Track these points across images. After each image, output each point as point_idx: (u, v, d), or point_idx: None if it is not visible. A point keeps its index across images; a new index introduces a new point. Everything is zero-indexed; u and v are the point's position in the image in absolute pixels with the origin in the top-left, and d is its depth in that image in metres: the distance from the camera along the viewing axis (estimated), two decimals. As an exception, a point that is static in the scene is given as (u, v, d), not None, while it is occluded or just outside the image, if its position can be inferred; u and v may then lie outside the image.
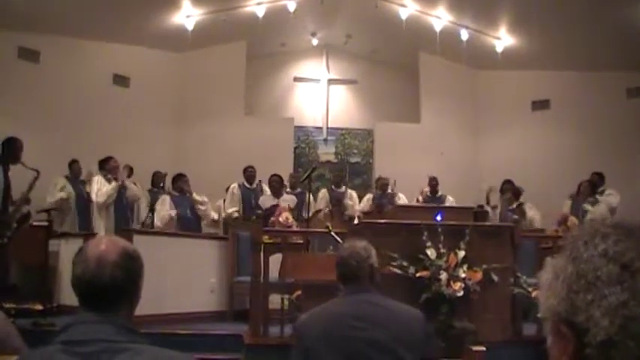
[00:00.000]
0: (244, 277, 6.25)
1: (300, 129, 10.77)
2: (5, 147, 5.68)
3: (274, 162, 9.00)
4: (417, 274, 4.77)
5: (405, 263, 4.77)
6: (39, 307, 5.97)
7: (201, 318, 6.45)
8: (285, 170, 8.96)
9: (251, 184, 8.18)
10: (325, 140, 10.97)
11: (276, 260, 5.39)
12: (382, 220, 5.61)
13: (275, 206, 7.09)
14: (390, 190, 8.64)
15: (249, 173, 8.22)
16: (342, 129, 11.02)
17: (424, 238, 4.85)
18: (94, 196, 7.28)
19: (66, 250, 6.79)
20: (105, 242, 1.55)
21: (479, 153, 10.47)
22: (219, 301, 6.88)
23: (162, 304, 5.93)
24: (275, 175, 7.91)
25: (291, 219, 6.55)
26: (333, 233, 4.79)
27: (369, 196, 8.80)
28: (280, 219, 6.38)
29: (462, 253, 4.85)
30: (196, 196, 7.70)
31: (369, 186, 10.12)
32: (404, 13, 9.12)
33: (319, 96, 11.04)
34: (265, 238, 5.33)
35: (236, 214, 7.87)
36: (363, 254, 2.46)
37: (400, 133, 10.40)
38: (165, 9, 8.76)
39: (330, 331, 2.31)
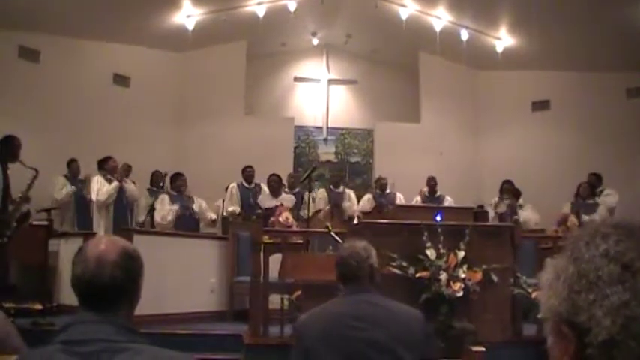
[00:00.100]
0: (244, 277, 6.25)
1: (300, 129, 10.77)
2: (3, 146, 5.67)
3: (274, 162, 9.00)
4: (417, 275, 4.77)
5: (404, 263, 4.77)
6: (38, 306, 5.98)
7: (201, 318, 6.45)
8: (286, 170, 8.96)
9: (250, 183, 8.18)
10: (325, 140, 10.97)
11: (275, 260, 5.39)
12: (382, 221, 5.60)
13: (274, 207, 7.09)
14: (389, 191, 8.65)
15: (247, 173, 8.22)
16: (342, 129, 11.02)
17: (424, 238, 4.85)
18: (94, 196, 7.28)
19: (66, 250, 6.80)
20: (105, 242, 1.55)
21: (479, 153, 10.47)
22: (219, 301, 6.88)
23: (162, 303, 5.93)
24: (273, 174, 7.91)
25: (291, 219, 6.55)
26: (332, 233, 4.79)
27: (369, 197, 8.80)
28: (280, 219, 6.38)
29: (461, 254, 4.85)
30: (195, 199, 7.72)
31: (369, 186, 10.12)
32: (404, 13, 9.13)
33: (319, 96, 11.04)
34: (265, 238, 5.33)
35: (238, 210, 7.88)
36: (363, 254, 2.46)
37: (400, 133, 10.40)
38: (166, 9, 8.76)
39: (330, 330, 2.31)
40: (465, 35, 9.43)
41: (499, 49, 9.61)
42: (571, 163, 9.17)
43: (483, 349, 4.56)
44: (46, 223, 6.52)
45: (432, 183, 8.57)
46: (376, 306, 2.37)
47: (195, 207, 7.69)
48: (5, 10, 7.75)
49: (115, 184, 7.25)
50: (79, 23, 8.51)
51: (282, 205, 7.12)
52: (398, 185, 8.87)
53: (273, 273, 5.36)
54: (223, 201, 8.27)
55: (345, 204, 8.42)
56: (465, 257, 4.85)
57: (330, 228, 4.86)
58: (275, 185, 7.82)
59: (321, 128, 10.96)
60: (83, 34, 8.85)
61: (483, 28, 9.43)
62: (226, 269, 6.92)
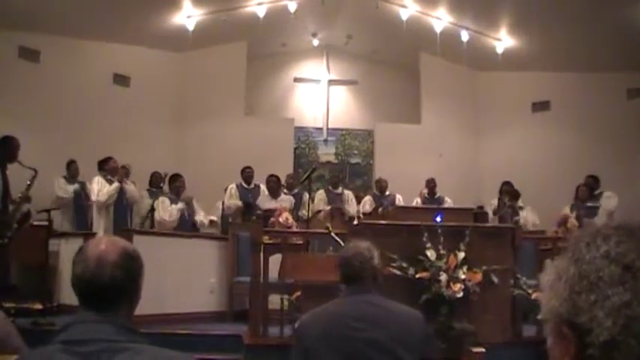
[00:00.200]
0: (244, 277, 6.25)
1: (300, 129, 10.77)
2: (2, 146, 5.67)
3: (274, 162, 9.01)
4: (417, 276, 4.77)
5: (404, 264, 4.77)
6: (39, 306, 5.98)
7: (200, 318, 6.45)
8: (285, 171, 8.96)
9: (249, 184, 8.19)
10: (325, 141, 10.97)
11: (275, 261, 5.39)
12: (382, 221, 5.61)
13: (273, 209, 7.08)
14: (388, 192, 8.66)
15: (247, 174, 8.23)
16: (342, 130, 11.02)
17: (424, 239, 4.85)
18: (94, 197, 7.28)
19: (66, 250, 6.80)
20: (105, 242, 1.55)
21: (479, 154, 10.47)
22: (219, 302, 6.88)
23: (162, 304, 5.93)
24: (272, 175, 7.91)
25: (291, 219, 6.54)
26: (333, 234, 4.79)
27: (369, 198, 8.80)
28: (280, 219, 6.37)
29: (461, 255, 4.85)
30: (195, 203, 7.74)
31: (370, 187, 10.12)
32: (404, 14, 9.13)
33: (319, 96, 11.04)
34: (265, 239, 5.33)
35: (240, 203, 7.88)
36: (367, 255, 2.46)
37: (400, 134, 10.40)
38: (166, 9, 8.76)
39: (330, 331, 2.31)
40: (465, 36, 9.43)
41: (499, 50, 9.61)
42: (571, 164, 9.17)
43: (483, 350, 4.56)
44: (46, 223, 6.53)
45: (431, 185, 8.57)
46: (376, 307, 2.37)
47: (195, 208, 7.70)
48: (5, 10, 7.75)
49: (116, 184, 7.25)
50: (79, 23, 8.52)
51: (279, 206, 7.12)
52: (398, 186, 8.88)
53: (273, 273, 5.36)
54: (223, 203, 8.27)
55: (347, 207, 8.43)
56: (465, 258, 4.85)
57: (330, 229, 4.86)
58: (274, 186, 7.82)
59: (321, 129, 10.96)
60: (83, 34, 8.86)
61: (483, 29, 9.44)
62: (226, 270, 6.92)
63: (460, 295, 4.71)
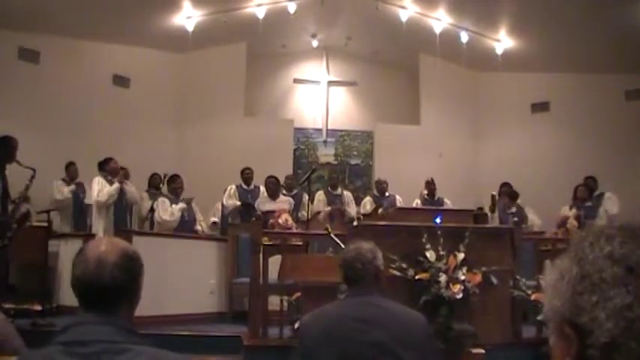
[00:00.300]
0: (244, 278, 6.26)
1: (299, 130, 10.77)
2: (0, 146, 5.68)
3: (274, 163, 9.01)
4: (417, 277, 4.77)
5: (404, 265, 4.77)
6: (38, 307, 5.98)
7: (200, 319, 6.46)
8: (285, 172, 8.96)
9: (249, 185, 8.20)
10: (325, 142, 10.96)
11: (275, 262, 5.40)
12: (382, 222, 5.61)
13: (272, 211, 7.09)
14: (388, 194, 8.66)
15: (246, 175, 8.24)
16: (341, 131, 11.02)
17: (424, 240, 4.85)
18: (94, 196, 7.29)
19: (65, 251, 6.81)
20: (105, 243, 1.56)
21: (479, 155, 10.47)
22: (219, 303, 6.89)
23: (161, 305, 5.93)
24: (271, 176, 7.92)
25: (290, 221, 6.55)
26: (332, 235, 4.79)
27: (369, 199, 8.80)
28: (280, 220, 6.38)
29: (461, 256, 4.85)
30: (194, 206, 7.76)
31: (369, 188, 10.13)
32: (404, 15, 9.13)
33: (319, 97, 11.04)
34: (265, 240, 5.34)
35: (238, 203, 7.89)
36: (369, 256, 2.45)
37: (400, 135, 10.40)
38: (166, 10, 8.76)
39: (330, 331, 2.30)
40: (464, 37, 9.43)
41: (499, 51, 9.61)
42: (570, 165, 9.17)
43: (483, 351, 4.56)
44: (45, 224, 6.53)
45: (431, 186, 8.57)
46: (378, 308, 2.36)
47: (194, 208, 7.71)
48: (5, 10, 7.75)
49: (117, 185, 7.26)
50: (79, 24, 8.51)
51: (278, 208, 7.13)
52: (397, 187, 8.88)
53: (273, 275, 5.36)
54: (222, 204, 8.27)
55: (349, 209, 8.44)
56: (464, 259, 4.85)
57: (330, 230, 4.86)
58: (273, 187, 7.83)
59: (320, 130, 10.96)
60: (83, 34, 8.85)
61: (483, 30, 9.44)
62: (226, 271, 6.93)
63: (460, 296, 4.71)
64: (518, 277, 5.24)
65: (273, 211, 7.04)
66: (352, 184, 10.65)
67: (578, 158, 9.33)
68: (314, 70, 11.07)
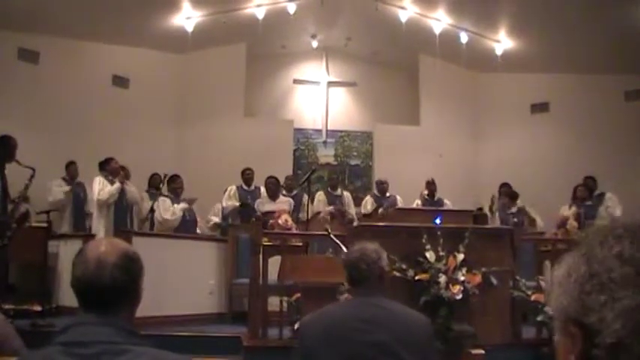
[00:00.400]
0: (243, 279, 6.25)
1: (299, 131, 10.77)
2: (0, 146, 5.68)
3: (274, 164, 9.01)
4: (416, 277, 4.77)
5: (404, 266, 4.77)
6: (38, 308, 5.98)
7: (200, 320, 6.45)
8: (285, 172, 8.96)
9: (249, 186, 8.19)
10: (325, 142, 10.96)
11: (275, 262, 5.39)
12: (381, 223, 5.61)
13: (272, 212, 7.09)
14: (388, 194, 8.66)
15: (247, 176, 8.24)
16: (341, 131, 11.02)
17: (423, 240, 4.85)
18: (96, 196, 7.29)
19: (65, 251, 6.80)
20: (105, 244, 1.56)
21: (478, 155, 10.47)
22: (218, 303, 6.88)
23: (161, 305, 5.93)
24: (271, 177, 7.92)
25: (290, 221, 6.55)
26: (332, 236, 4.79)
27: (371, 199, 8.79)
28: (280, 221, 6.38)
29: (461, 256, 4.85)
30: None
31: (369, 188, 10.12)
32: (404, 16, 9.13)
33: (319, 98, 11.04)
34: (264, 241, 5.34)
35: (237, 204, 7.89)
36: (374, 257, 2.44)
37: (400, 136, 10.40)
38: (165, 11, 8.75)
39: (330, 331, 2.30)
40: (464, 38, 9.44)
41: (498, 51, 9.62)
42: (570, 166, 9.18)
43: (482, 351, 4.56)
44: (45, 224, 6.53)
45: (431, 187, 8.57)
46: (380, 308, 2.35)
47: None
48: (4, 11, 7.75)
49: (117, 185, 7.27)
50: (79, 24, 8.51)
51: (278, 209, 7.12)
52: (397, 188, 8.88)
53: (273, 275, 5.36)
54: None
55: (349, 210, 8.45)
56: (464, 260, 4.85)
57: (330, 231, 4.86)
58: (273, 187, 7.83)
59: (320, 131, 10.95)
60: (82, 35, 8.85)
61: (483, 31, 9.44)
62: (225, 271, 6.92)
63: (459, 296, 4.71)
64: (517, 277, 5.24)
65: (273, 212, 7.04)
66: (352, 184, 10.65)
67: (577, 159, 9.34)
68: (314, 71, 11.07)
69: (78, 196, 7.96)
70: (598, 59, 9.27)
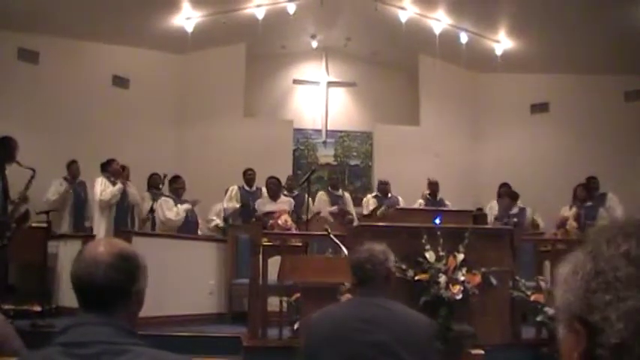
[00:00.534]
0: (243, 279, 6.26)
1: (299, 131, 10.77)
2: (0, 147, 5.68)
3: (274, 164, 9.00)
4: (416, 277, 4.77)
5: (403, 266, 4.77)
6: (37, 308, 5.98)
7: (199, 320, 6.45)
8: (285, 172, 8.95)
9: (251, 186, 8.19)
10: (324, 143, 10.97)
11: (275, 263, 5.39)
12: (381, 223, 5.61)
13: (272, 212, 7.09)
14: (390, 195, 8.66)
15: (248, 176, 8.23)
16: (341, 131, 11.02)
17: (423, 241, 4.85)
18: (97, 196, 7.29)
19: (64, 252, 6.80)
20: (103, 244, 1.56)
21: (478, 156, 10.47)
22: (218, 303, 6.88)
23: (161, 305, 5.93)
24: (272, 177, 7.91)
25: (290, 221, 6.55)
26: (332, 236, 4.79)
27: (372, 200, 8.77)
28: (279, 221, 6.38)
29: (460, 256, 4.85)
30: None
31: (369, 189, 10.12)
32: (403, 16, 9.13)
33: (318, 98, 11.04)
34: (264, 241, 5.34)
35: (237, 205, 7.90)
36: (381, 257, 2.44)
37: (399, 136, 10.40)
38: (165, 11, 8.76)
39: (333, 331, 2.30)
40: (464, 38, 9.44)
41: (498, 51, 9.62)
42: (570, 166, 9.18)
43: (482, 351, 4.56)
44: (45, 225, 6.53)
45: (433, 187, 8.56)
46: (383, 309, 2.35)
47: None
48: (4, 11, 7.75)
49: (119, 185, 7.29)
50: (79, 25, 8.51)
51: (278, 209, 7.13)
52: (397, 188, 8.87)
53: (272, 275, 5.36)
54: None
55: (350, 210, 8.45)
56: (464, 260, 4.85)
57: (330, 231, 4.86)
58: (274, 188, 7.82)
59: (320, 131, 10.96)
60: (82, 35, 8.85)
61: (482, 31, 9.45)
62: (225, 271, 6.92)
63: (459, 296, 4.71)
64: (517, 277, 5.24)
65: (273, 212, 7.05)
66: (352, 184, 10.65)
67: (577, 159, 9.34)
68: (313, 71, 11.08)
69: (79, 196, 7.96)
70: (598, 59, 9.27)
